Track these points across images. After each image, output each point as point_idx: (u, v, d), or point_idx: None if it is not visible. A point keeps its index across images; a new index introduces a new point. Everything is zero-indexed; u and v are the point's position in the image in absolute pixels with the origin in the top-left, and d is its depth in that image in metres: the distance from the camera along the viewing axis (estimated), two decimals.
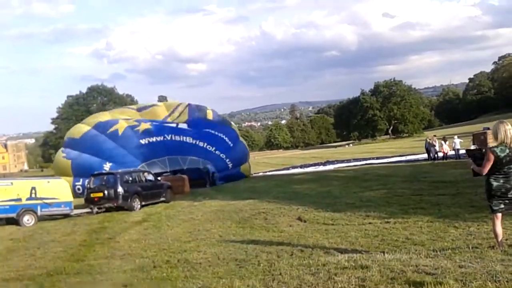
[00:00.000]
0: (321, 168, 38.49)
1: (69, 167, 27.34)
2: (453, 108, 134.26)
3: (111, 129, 28.32)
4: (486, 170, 6.30)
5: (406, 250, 7.12)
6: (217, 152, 29.23)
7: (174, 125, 30.06)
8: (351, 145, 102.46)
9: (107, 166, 26.12)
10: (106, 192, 18.20)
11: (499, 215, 6.34)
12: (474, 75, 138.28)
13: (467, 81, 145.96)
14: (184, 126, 30.28)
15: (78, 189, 25.91)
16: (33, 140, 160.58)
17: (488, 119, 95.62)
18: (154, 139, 28.08)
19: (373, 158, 42.24)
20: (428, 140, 32.22)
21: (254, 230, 10.98)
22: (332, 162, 44.07)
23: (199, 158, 28.55)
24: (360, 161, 40.82)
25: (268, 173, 38.26)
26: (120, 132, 28.06)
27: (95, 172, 22.04)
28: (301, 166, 44.34)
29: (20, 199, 16.25)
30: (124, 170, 20.52)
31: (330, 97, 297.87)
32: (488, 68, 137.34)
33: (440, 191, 13.99)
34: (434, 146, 30.61)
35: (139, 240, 11.15)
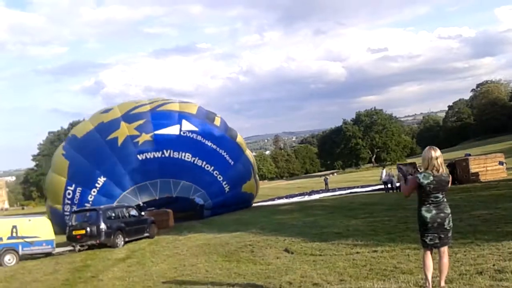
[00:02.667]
0: (307, 198, 38.42)
1: (65, 168, 26.45)
2: (434, 135, 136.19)
3: (111, 136, 26.85)
4: (406, 192, 6.19)
5: (395, 279, 7.09)
6: (215, 172, 27.83)
7: (176, 131, 27.68)
8: (335, 174, 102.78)
9: (101, 180, 25.59)
10: (88, 229, 17.82)
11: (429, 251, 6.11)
12: (453, 103, 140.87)
13: (446, 109, 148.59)
14: (190, 126, 28.10)
15: (69, 193, 25.46)
16: (13, 178, 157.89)
17: (468, 145, 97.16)
18: (152, 155, 26.72)
19: (357, 187, 42.40)
20: (387, 171, 32.63)
21: (241, 263, 10.84)
22: (317, 192, 44.08)
23: (192, 184, 27.37)
24: (345, 190, 40.90)
25: (253, 204, 38.01)
26: (119, 142, 26.63)
27: (77, 209, 21.72)
28: (286, 197, 44.18)
29: (1, 238, 15.86)
30: (106, 206, 20.21)
31: (313, 127, 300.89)
32: (467, 96, 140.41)
33: None
34: (393, 177, 30.62)
35: (123, 278, 10.91)
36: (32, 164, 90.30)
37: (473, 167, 27.03)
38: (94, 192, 25.46)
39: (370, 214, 17.37)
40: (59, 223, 23.34)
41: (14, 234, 16.19)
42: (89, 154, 26.45)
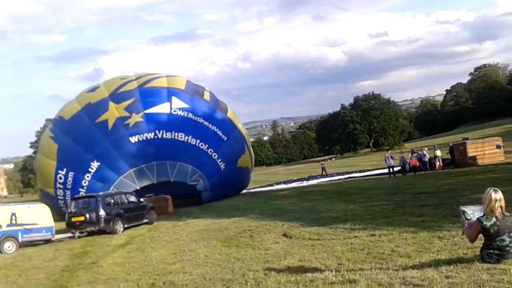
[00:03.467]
0: (305, 183, 38.51)
1: (55, 151, 26.01)
2: (432, 119, 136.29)
3: (101, 118, 26.13)
4: (472, 238, 6.01)
5: (393, 262, 7.13)
6: (209, 150, 27.41)
7: (167, 109, 26.98)
8: (333, 159, 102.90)
9: (94, 165, 25.20)
10: (87, 215, 17.86)
11: None
12: (451, 87, 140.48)
13: (444, 93, 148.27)
14: (180, 103, 27.41)
15: (60, 177, 25.27)
16: (12, 165, 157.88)
17: (466, 129, 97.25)
18: (144, 136, 26.17)
19: (355, 172, 42.47)
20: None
21: (240, 248, 10.90)
22: (315, 177, 44.15)
23: (188, 165, 27.10)
24: (343, 174, 40.99)
25: (252, 190, 38.12)
26: (110, 125, 25.96)
27: (75, 196, 21.71)
28: (284, 182, 44.27)
29: (0, 226, 15.90)
30: (105, 193, 20.22)
31: (311, 113, 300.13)
32: (465, 80, 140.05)
33: (423, 202, 14.09)
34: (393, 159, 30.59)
35: (123, 264, 10.96)
36: (30, 152, 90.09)
37: (471, 151, 27.12)
38: (88, 177, 25.13)
39: (368, 198, 17.44)
40: (52, 206, 23.34)
41: (13, 222, 16.21)
42: (79, 138, 25.87)
